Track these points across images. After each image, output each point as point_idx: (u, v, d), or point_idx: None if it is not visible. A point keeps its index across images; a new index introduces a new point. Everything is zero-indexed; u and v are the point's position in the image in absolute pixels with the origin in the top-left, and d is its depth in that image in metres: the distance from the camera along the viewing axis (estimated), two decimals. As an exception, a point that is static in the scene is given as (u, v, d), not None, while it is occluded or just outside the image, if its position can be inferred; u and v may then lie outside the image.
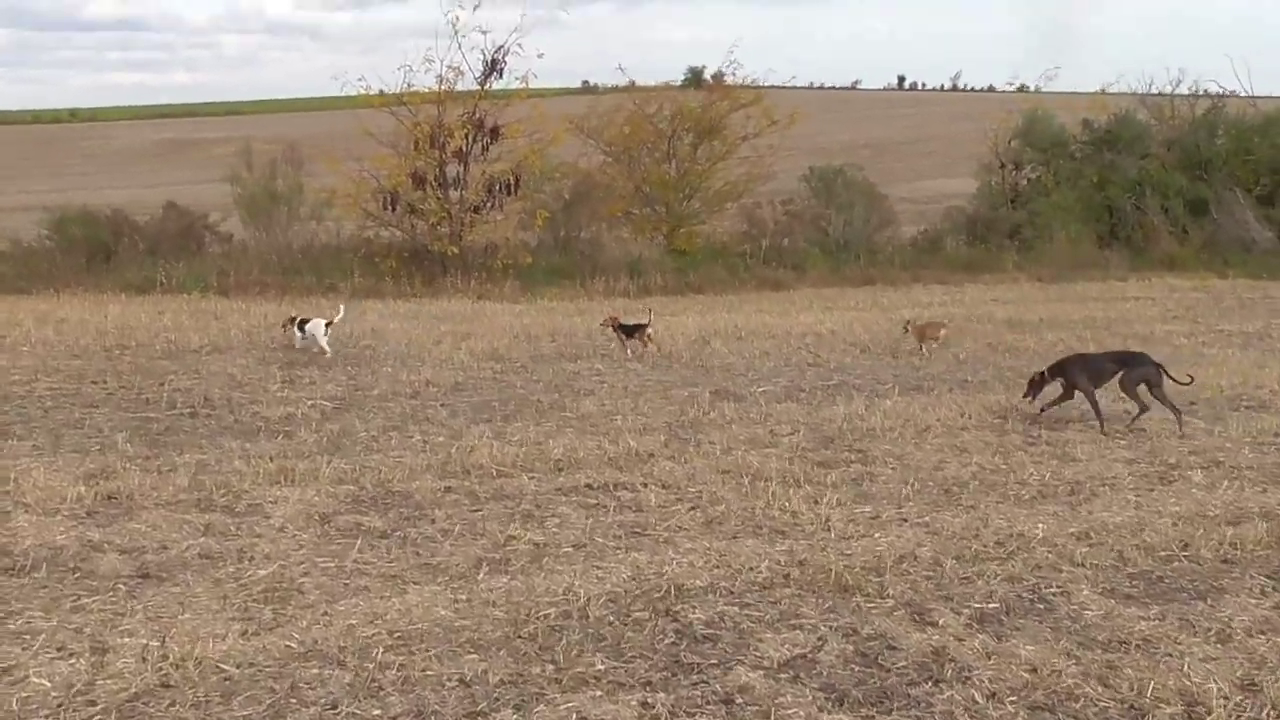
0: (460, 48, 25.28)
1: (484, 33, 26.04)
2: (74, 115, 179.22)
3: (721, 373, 13.92)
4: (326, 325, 15.14)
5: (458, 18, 25.44)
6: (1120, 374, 10.73)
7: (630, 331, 15.36)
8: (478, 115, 26.24)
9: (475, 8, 26.71)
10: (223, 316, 19.80)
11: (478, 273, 25.71)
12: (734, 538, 7.02)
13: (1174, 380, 10.72)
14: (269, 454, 9.01)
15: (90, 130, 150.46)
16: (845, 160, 38.59)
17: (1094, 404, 10.76)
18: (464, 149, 26.16)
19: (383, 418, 10.78)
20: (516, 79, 26.09)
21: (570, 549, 6.75)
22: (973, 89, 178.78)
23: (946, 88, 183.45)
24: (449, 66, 25.96)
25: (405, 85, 26.31)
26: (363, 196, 26.29)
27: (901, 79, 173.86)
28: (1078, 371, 10.95)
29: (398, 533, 7.00)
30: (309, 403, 11.37)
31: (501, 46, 25.96)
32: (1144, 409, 10.64)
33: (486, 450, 9.15)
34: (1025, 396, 11.25)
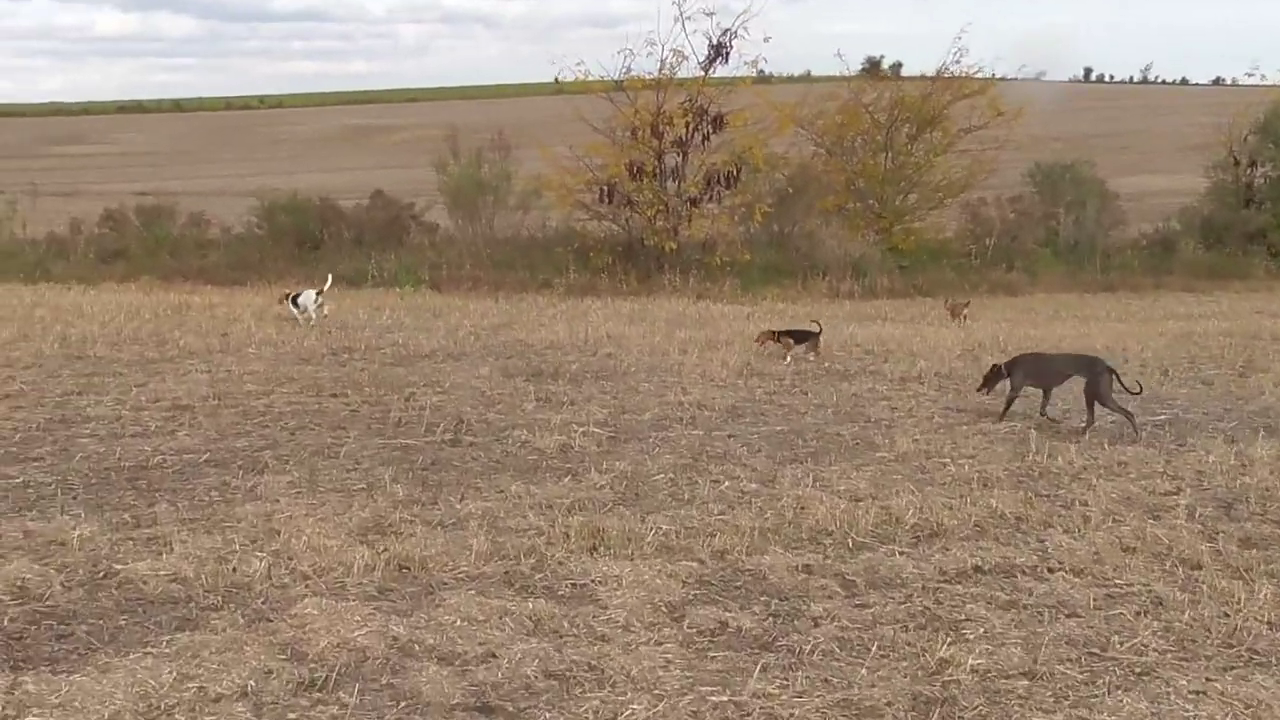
0: (685, 30, 23.64)
1: (709, 14, 24.41)
2: (262, 102, 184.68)
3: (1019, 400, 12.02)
4: (316, 294, 16.55)
5: (684, -2, 23.85)
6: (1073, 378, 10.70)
7: (801, 338, 14.37)
8: (699, 102, 24.64)
9: (706, -14, 24.99)
10: (442, 314, 18.63)
11: (696, 270, 24.15)
12: (1235, 671, 5.19)
13: (1124, 389, 10.35)
14: (563, 503, 7.50)
15: (278, 116, 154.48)
16: (1048, 154, 35.96)
17: (1009, 402, 10.78)
18: (684, 138, 24.59)
19: (670, 453, 9.19)
20: (746, 62, 24.37)
21: (1023, 680, 5.01)
22: (1164, 81, 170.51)
23: (1136, 80, 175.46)
24: (672, 50, 24.42)
25: (625, 70, 24.89)
26: (576, 187, 24.94)
27: (1088, 71, 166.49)
28: (1021, 372, 10.86)
29: (781, 642, 5.35)
30: (578, 429, 9.85)
31: (728, 30, 24.31)
32: (1092, 421, 10.38)
33: (822, 508, 7.47)
34: (980, 390, 11.21)
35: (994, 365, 11.23)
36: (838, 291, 25.15)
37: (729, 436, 9.91)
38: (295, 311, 16.57)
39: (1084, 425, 10.37)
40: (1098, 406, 10.36)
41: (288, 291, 17.35)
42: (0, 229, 24.69)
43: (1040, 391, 11.01)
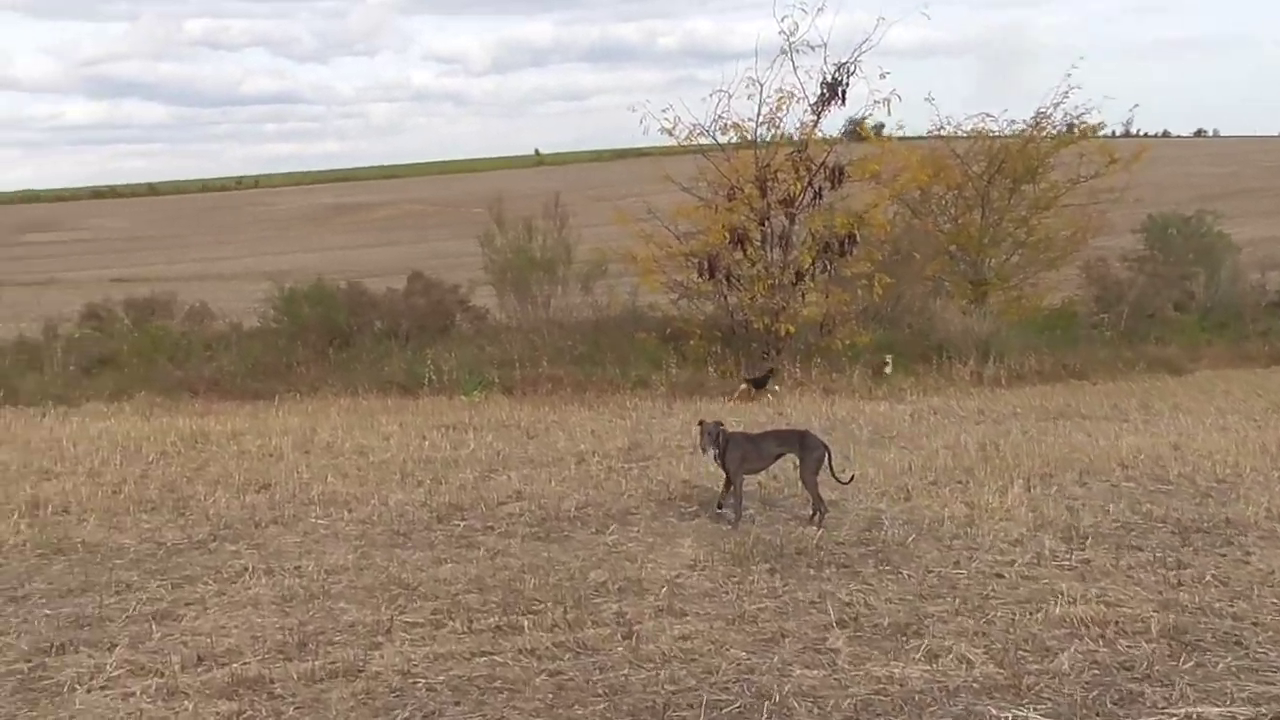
0: (794, 66, 19.16)
1: (814, 47, 19.87)
2: (239, 183, 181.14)
3: None
4: None
5: (795, 24, 19.42)
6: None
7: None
8: (807, 152, 20.21)
9: (818, 11, 20.37)
10: (538, 434, 14.06)
11: (817, 358, 19.64)
12: None
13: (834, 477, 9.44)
14: None
15: (255, 197, 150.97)
16: (1161, 206, 31.79)
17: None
18: (793, 196, 20.15)
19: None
20: (876, 101, 19.83)
21: None
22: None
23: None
24: (778, 90, 19.97)
25: (715, 118, 20.41)
26: (667, 259, 20.44)
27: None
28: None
29: None
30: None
31: (843, 64, 19.82)
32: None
33: None
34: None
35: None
36: (980, 378, 20.63)
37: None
38: None
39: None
40: None
41: None
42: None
43: None
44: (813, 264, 20.28)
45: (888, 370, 18.56)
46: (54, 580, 7.70)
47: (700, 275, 19.98)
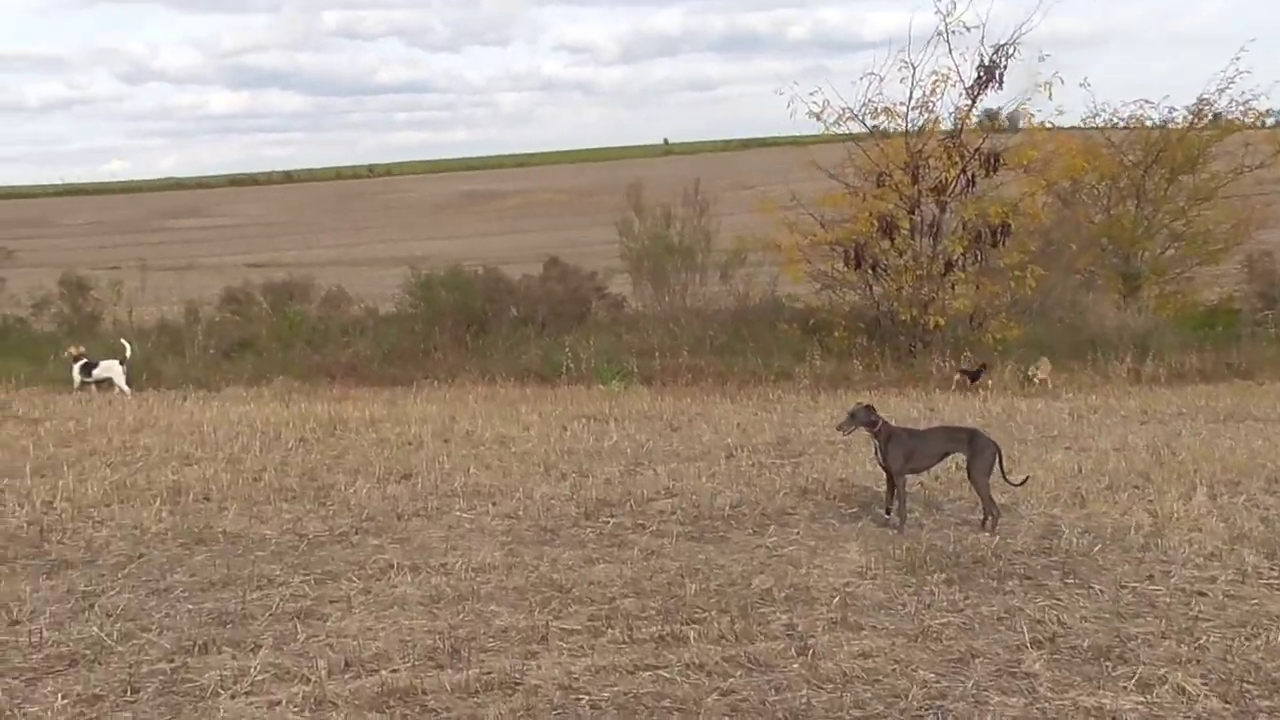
0: (949, 48, 18.29)
1: (970, 29, 18.94)
2: (371, 170, 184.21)
3: None
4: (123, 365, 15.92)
5: (952, 4, 18.54)
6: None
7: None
8: (961, 138, 19.33)
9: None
10: (681, 426, 13.56)
11: (966, 352, 18.79)
12: None
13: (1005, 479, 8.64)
14: None
15: (388, 185, 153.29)
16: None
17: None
18: (946, 184, 19.31)
19: None
20: (1038, 86, 18.87)
21: None
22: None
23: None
24: (932, 73, 19.11)
25: (865, 102, 19.63)
26: (810, 248, 19.74)
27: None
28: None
29: None
30: None
31: (1001, 46, 18.87)
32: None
33: None
34: None
35: None
36: (1139, 376, 19.54)
37: None
38: (80, 378, 15.93)
39: None
40: None
41: (78, 353, 16.26)
42: (101, 316, 20.15)
43: None
44: (963, 254, 19.39)
45: (1037, 377, 17.83)
46: (196, 572, 7.42)
47: (846, 265, 19.25)
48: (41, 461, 11.17)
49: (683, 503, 9.39)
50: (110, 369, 15.86)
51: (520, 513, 9.09)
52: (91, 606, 6.69)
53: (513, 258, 31.61)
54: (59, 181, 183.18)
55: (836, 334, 19.06)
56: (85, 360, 15.99)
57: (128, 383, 15.95)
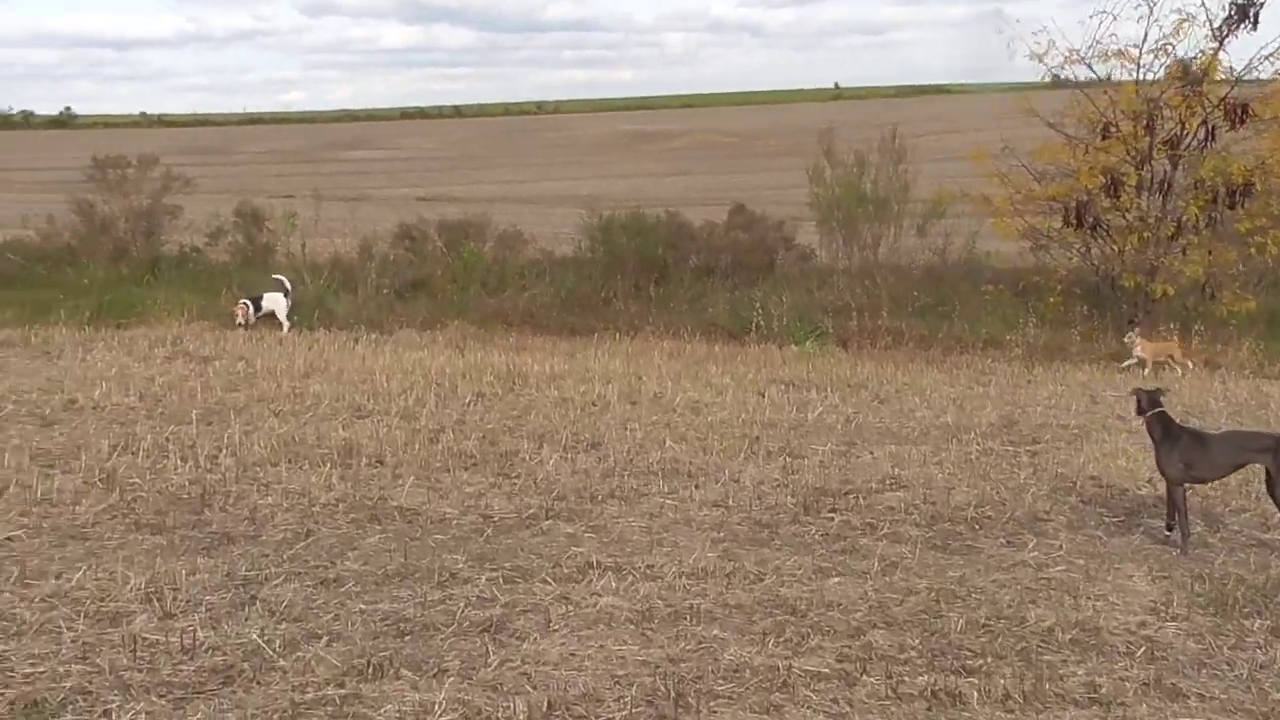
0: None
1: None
2: (540, 107, 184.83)
3: None
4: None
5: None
6: None
7: None
8: (1203, 86, 17.33)
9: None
10: (889, 399, 12.26)
11: (1198, 325, 16.94)
12: None
13: None
14: None
15: (555, 122, 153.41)
16: None
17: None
18: (1182, 137, 17.39)
19: None
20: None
21: None
22: None
23: None
24: (1175, 12, 17.15)
25: (1093, 43, 17.79)
26: (1029, 206, 18.04)
27: None
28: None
29: None
30: None
31: (1259, -18, 16.76)
32: None
33: None
34: None
35: None
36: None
37: None
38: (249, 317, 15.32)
39: None
40: None
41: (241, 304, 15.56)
42: (274, 248, 19.55)
43: None
44: (1198, 216, 17.45)
45: (1145, 354, 15.30)
46: (369, 558, 6.45)
47: (1066, 224, 17.48)
48: (209, 408, 10.43)
49: (914, 498, 8.13)
50: (275, 301, 15.21)
51: (729, 500, 7.95)
52: (253, 600, 5.76)
53: (679, 200, 30.34)
54: (240, 110, 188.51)
55: (1051, 299, 17.35)
56: (250, 297, 15.40)
57: (288, 317, 15.32)
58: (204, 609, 5.62)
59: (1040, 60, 17.76)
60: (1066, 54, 17.67)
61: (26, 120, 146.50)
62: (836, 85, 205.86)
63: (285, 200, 29.61)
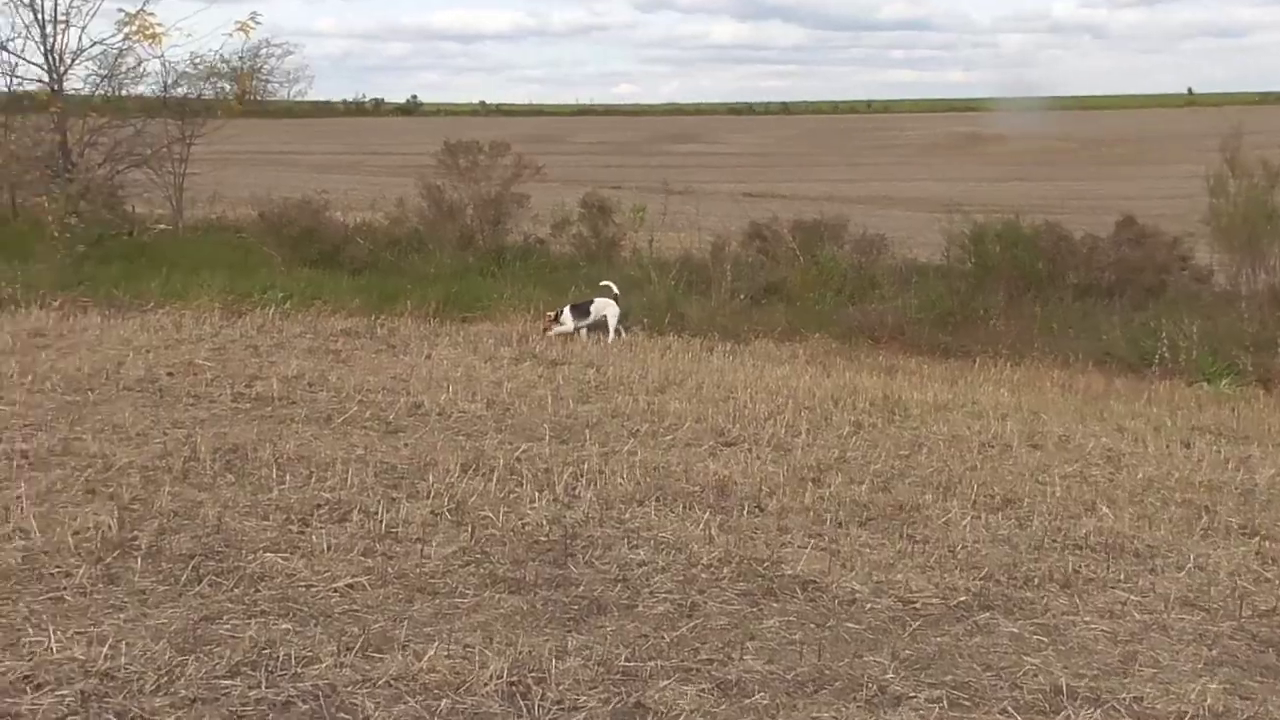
0: None
1: None
2: (869, 106, 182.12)
3: None
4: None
5: None
6: None
7: None
8: None
9: None
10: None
11: None
12: None
13: None
14: None
15: (883, 122, 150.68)
16: None
17: None
18: None
19: None
20: None
21: None
22: None
23: None
24: None
25: None
26: None
27: None
28: None
29: None
30: None
31: None
32: None
33: None
34: None
35: None
36: None
37: None
38: (574, 322, 13.88)
39: None
40: None
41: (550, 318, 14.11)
42: (620, 242, 18.74)
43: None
44: None
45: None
46: (773, 654, 5.12)
47: None
48: (560, 422, 9.45)
49: None
50: (607, 308, 14.04)
51: (1205, 599, 6.23)
52: (639, 709, 4.54)
53: (1018, 207, 28.08)
54: (573, 101, 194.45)
55: None
56: (574, 304, 14.21)
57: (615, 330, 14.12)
58: (582, 716, 4.44)
59: None
60: None
61: (376, 108, 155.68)
62: (1190, 90, 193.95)
63: (614, 191, 29.18)
